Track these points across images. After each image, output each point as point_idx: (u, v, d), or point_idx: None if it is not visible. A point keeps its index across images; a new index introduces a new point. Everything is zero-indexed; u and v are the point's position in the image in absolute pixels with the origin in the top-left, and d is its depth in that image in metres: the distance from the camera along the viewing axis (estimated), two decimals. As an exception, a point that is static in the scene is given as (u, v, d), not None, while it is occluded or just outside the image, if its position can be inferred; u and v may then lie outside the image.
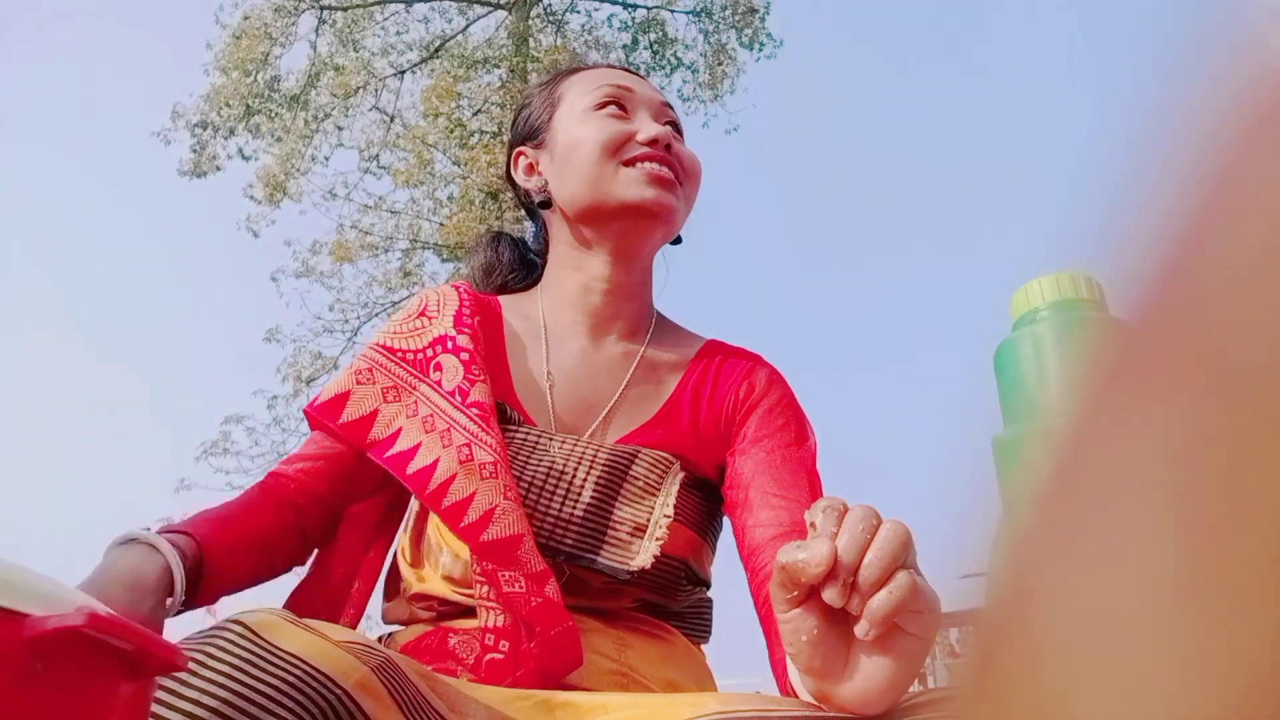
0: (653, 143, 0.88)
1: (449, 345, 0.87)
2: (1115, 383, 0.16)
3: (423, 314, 0.91)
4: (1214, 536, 0.13)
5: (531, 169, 0.97)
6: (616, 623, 0.80)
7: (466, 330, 0.88)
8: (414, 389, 0.86)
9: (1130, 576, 0.14)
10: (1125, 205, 0.16)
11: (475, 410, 0.82)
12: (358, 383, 0.87)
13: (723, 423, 0.88)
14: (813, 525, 0.52)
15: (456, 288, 0.94)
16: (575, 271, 0.93)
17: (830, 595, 0.50)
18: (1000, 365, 0.70)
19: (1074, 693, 0.14)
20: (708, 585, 0.90)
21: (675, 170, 0.89)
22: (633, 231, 0.89)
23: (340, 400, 0.87)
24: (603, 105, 0.91)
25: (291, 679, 0.50)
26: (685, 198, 0.91)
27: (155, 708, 0.46)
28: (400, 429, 0.84)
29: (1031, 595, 0.16)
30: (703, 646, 0.90)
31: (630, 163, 0.88)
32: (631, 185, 0.87)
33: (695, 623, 0.88)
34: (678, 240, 0.98)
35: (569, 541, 0.79)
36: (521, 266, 1.04)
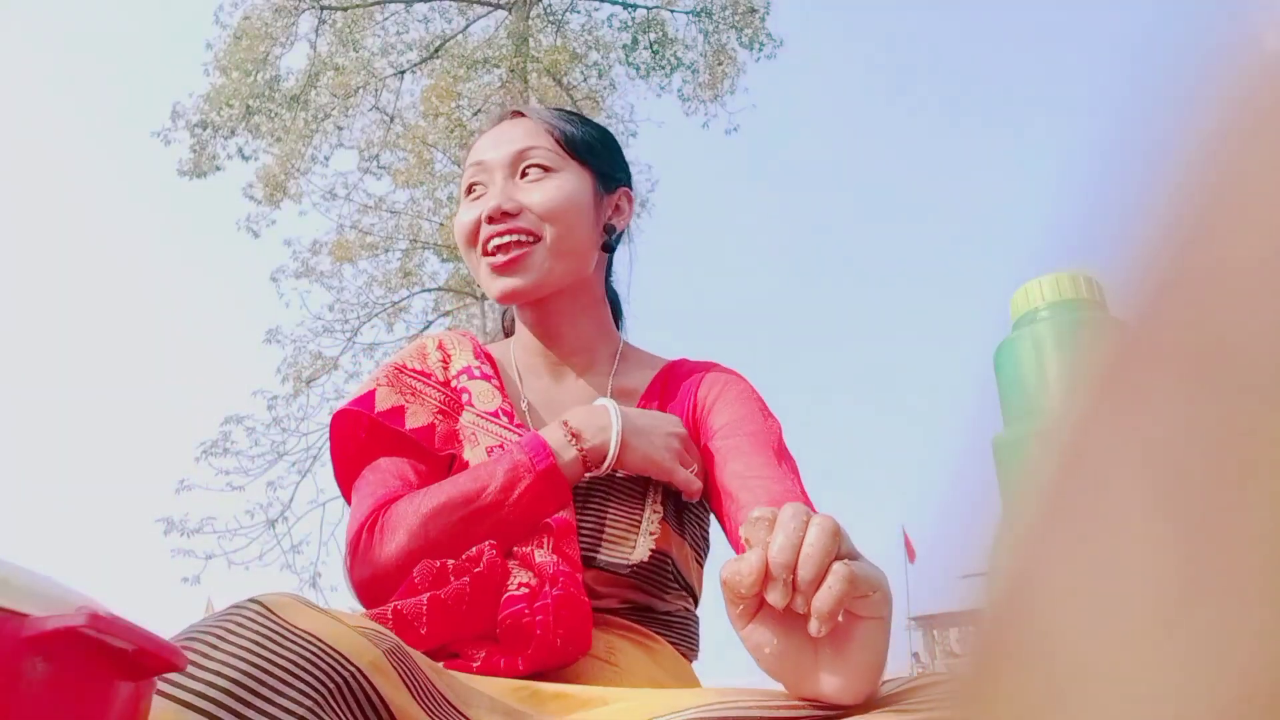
0: (490, 220, 0.92)
1: (474, 373, 0.95)
2: (1115, 383, 0.16)
3: (441, 348, 0.98)
4: (1214, 536, 0.13)
5: None
6: (607, 628, 0.82)
7: (486, 361, 0.97)
8: (457, 416, 0.92)
9: (1130, 576, 0.14)
10: (1125, 205, 0.16)
11: (522, 430, 0.90)
12: (407, 402, 0.92)
13: (687, 427, 0.93)
14: (747, 541, 0.54)
15: (464, 335, 1.02)
16: (520, 323, 1.02)
17: (773, 597, 0.51)
18: (1000, 365, 0.70)
19: (1073, 691, 0.14)
20: (695, 597, 0.93)
21: (523, 232, 0.92)
22: (514, 307, 0.99)
23: (399, 411, 0.91)
24: (468, 191, 0.97)
25: (308, 654, 0.51)
26: (548, 250, 0.92)
27: (176, 678, 0.46)
28: (456, 452, 0.89)
29: (1031, 595, 0.16)
30: (691, 665, 0.91)
31: (484, 249, 0.93)
32: (486, 281, 0.94)
33: (682, 633, 0.89)
34: (610, 248, 1.01)
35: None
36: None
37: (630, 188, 1.04)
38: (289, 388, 8.07)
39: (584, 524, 0.85)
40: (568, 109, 1.07)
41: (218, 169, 8.19)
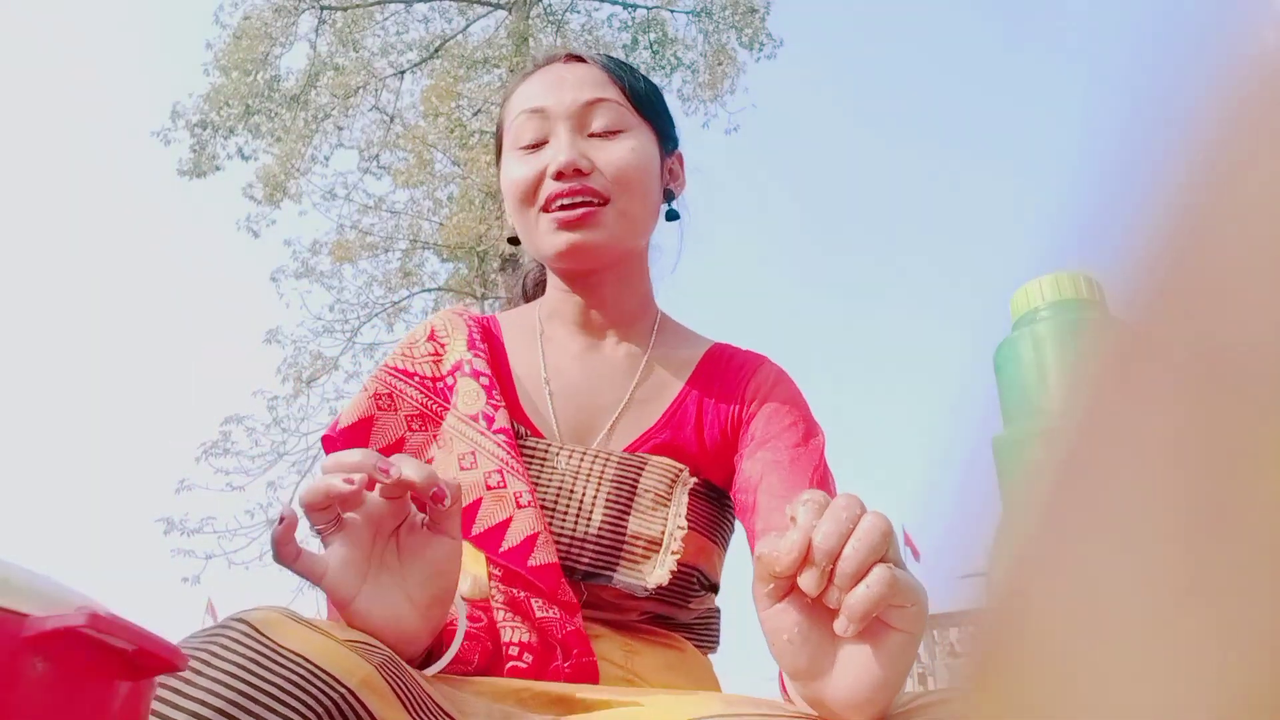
0: (559, 176, 0.83)
1: (465, 370, 0.86)
2: (1115, 383, 0.16)
3: (432, 338, 0.90)
4: (1214, 535, 0.13)
5: None
6: (624, 630, 0.80)
7: (481, 354, 0.88)
8: (440, 418, 0.85)
9: (1130, 576, 0.14)
10: (1124, 204, 0.16)
11: (503, 437, 0.82)
12: (379, 408, 0.86)
13: (729, 428, 0.87)
14: (793, 519, 0.51)
15: (460, 314, 0.93)
16: (556, 289, 0.93)
17: (806, 581, 0.48)
18: (1000, 365, 0.70)
19: (1074, 691, 0.14)
20: (717, 588, 0.90)
21: (593, 193, 0.83)
22: (567, 270, 0.89)
23: (364, 425, 0.85)
24: (520, 146, 0.87)
25: (295, 678, 0.50)
26: (618, 215, 0.84)
27: (159, 706, 0.46)
28: (432, 460, 0.83)
29: (1032, 595, 0.16)
30: (711, 656, 0.89)
31: (547, 206, 0.84)
32: (547, 236, 0.84)
33: (703, 633, 0.88)
34: (674, 215, 0.94)
35: (585, 560, 0.79)
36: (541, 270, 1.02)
37: (680, 150, 0.96)
38: (289, 388, 8.08)
39: (601, 536, 0.80)
40: (618, 58, 0.96)
41: (218, 169, 8.19)
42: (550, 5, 8.43)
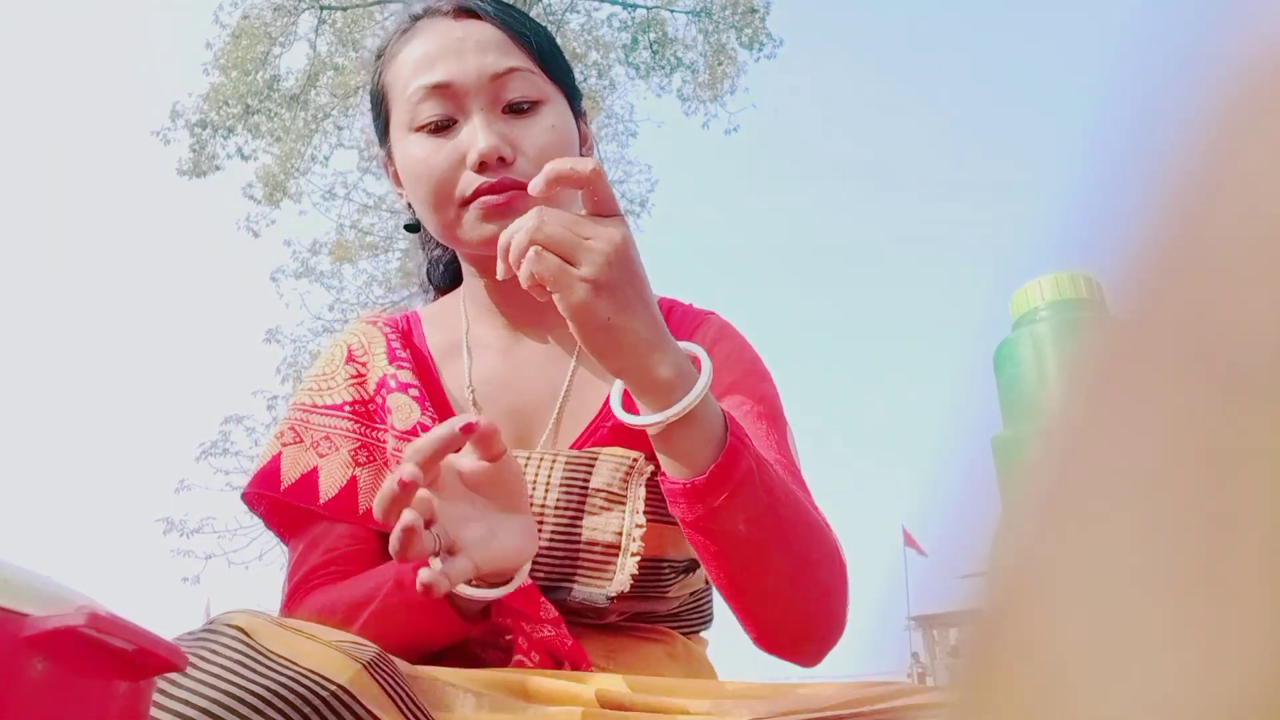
0: (482, 167, 0.75)
1: (392, 385, 0.81)
2: (1113, 382, 0.16)
3: (350, 359, 0.84)
4: (1212, 535, 0.13)
5: (398, 179, 0.85)
6: (605, 630, 0.78)
7: (405, 365, 0.82)
8: (382, 443, 0.80)
9: (1129, 575, 0.14)
10: (1122, 202, 0.16)
11: None
12: (320, 455, 0.79)
13: None
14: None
15: (373, 323, 0.87)
16: (474, 277, 0.86)
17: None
18: (1000, 365, 0.70)
19: (1072, 692, 0.14)
20: (699, 564, 0.83)
21: (518, 186, 0.75)
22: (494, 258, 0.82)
23: (310, 480, 0.78)
24: (422, 127, 0.78)
25: (283, 679, 0.50)
26: (545, 203, 0.74)
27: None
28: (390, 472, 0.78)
29: (1030, 594, 0.16)
30: (705, 635, 0.87)
31: (468, 202, 0.76)
32: (473, 228, 0.76)
33: (692, 617, 0.85)
34: None
35: (540, 575, 0.74)
36: (448, 255, 0.95)
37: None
38: (289, 388, 8.08)
39: (554, 547, 0.74)
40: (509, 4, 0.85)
41: (217, 169, 8.19)
42: (550, 5, 8.43)
